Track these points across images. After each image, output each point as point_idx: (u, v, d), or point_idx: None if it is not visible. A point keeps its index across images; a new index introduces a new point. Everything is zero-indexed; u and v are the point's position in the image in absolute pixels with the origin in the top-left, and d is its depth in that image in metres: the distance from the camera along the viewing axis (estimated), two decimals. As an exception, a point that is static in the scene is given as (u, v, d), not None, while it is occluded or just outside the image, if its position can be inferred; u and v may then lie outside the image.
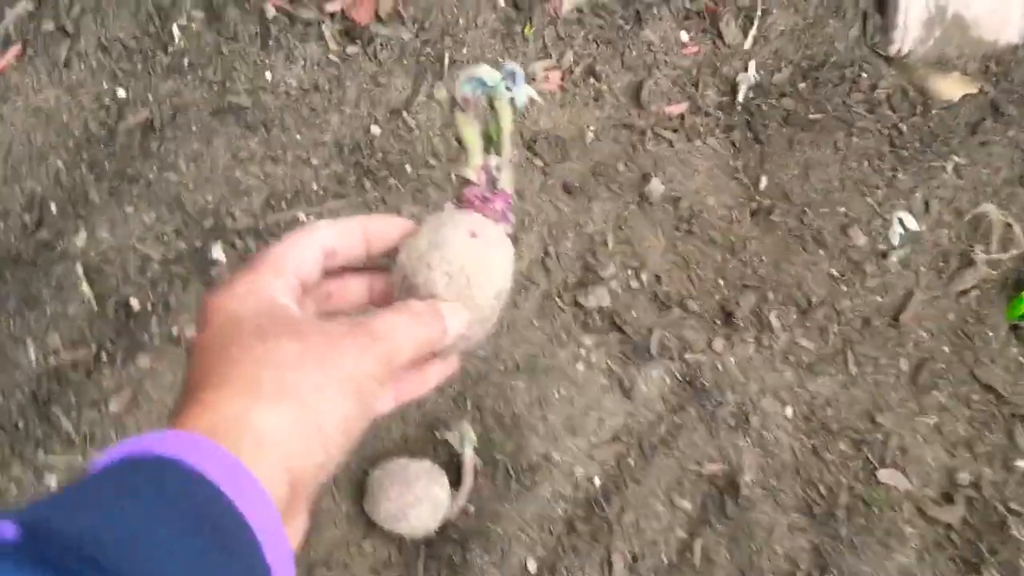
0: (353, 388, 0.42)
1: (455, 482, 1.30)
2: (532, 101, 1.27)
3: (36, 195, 1.31)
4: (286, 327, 0.43)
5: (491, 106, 0.59)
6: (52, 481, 1.22)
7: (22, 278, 1.28)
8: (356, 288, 0.53)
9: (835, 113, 1.54)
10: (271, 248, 0.47)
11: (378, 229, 0.52)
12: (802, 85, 1.55)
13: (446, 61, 1.45)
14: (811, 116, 1.53)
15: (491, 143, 0.59)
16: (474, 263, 0.54)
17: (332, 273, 0.51)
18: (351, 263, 0.51)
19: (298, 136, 1.39)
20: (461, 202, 0.58)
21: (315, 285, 0.49)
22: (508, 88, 0.58)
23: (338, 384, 0.41)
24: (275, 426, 0.39)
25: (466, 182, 0.58)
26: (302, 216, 1.35)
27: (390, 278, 0.54)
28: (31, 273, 1.28)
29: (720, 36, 1.55)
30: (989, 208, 1.51)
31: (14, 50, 1.32)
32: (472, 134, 0.59)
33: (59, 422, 1.23)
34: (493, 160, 0.59)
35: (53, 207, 1.31)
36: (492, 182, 0.58)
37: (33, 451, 1.22)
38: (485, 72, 0.58)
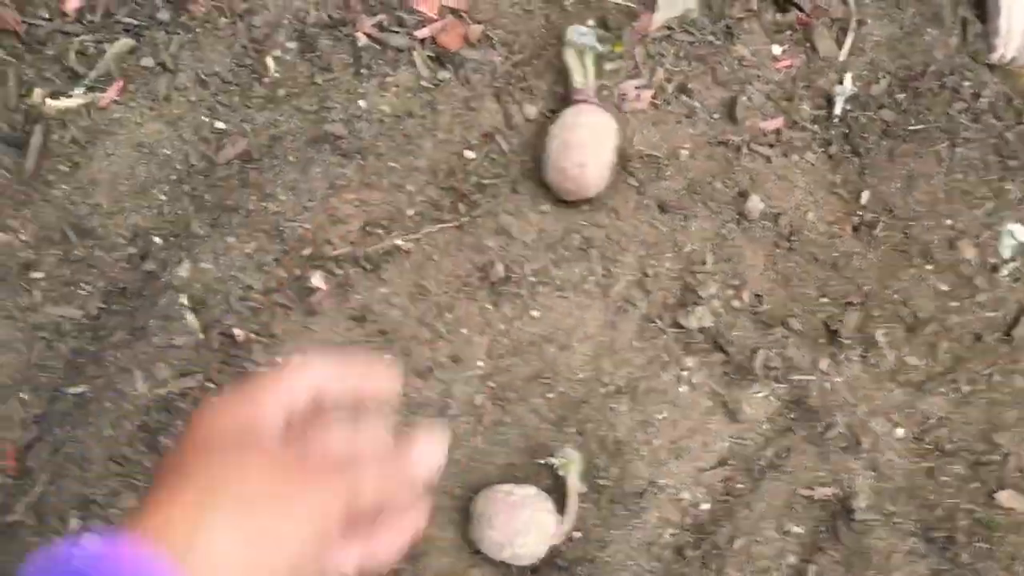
0: (314, 525, 0.41)
1: (560, 508, 1.28)
2: (631, 114, 1.43)
3: (140, 227, 1.33)
4: (263, 445, 0.43)
5: (583, 51, 1.35)
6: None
7: (129, 310, 1.29)
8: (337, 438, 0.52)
9: (937, 123, 1.49)
10: (264, 374, 0.48)
11: (369, 377, 0.51)
12: (901, 96, 1.50)
13: (538, 84, 1.45)
14: (912, 127, 1.49)
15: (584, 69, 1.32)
16: (598, 129, 1.29)
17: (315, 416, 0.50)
18: (338, 406, 0.51)
19: (392, 163, 1.39)
20: (576, 102, 1.33)
21: (300, 421, 0.49)
22: (595, 43, 1.37)
23: (300, 515, 0.41)
24: (227, 544, 0.38)
25: (577, 90, 1.34)
26: (399, 242, 1.35)
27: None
28: (138, 304, 1.29)
29: (814, 48, 1.52)
30: (1104, 217, 1.45)
31: (116, 86, 1.35)
32: (576, 63, 1.36)
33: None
34: (591, 80, 1.36)
35: (157, 239, 1.33)
36: (592, 90, 1.33)
37: (144, 481, 1.23)
38: (585, 30, 1.37)
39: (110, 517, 1.21)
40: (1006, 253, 1.45)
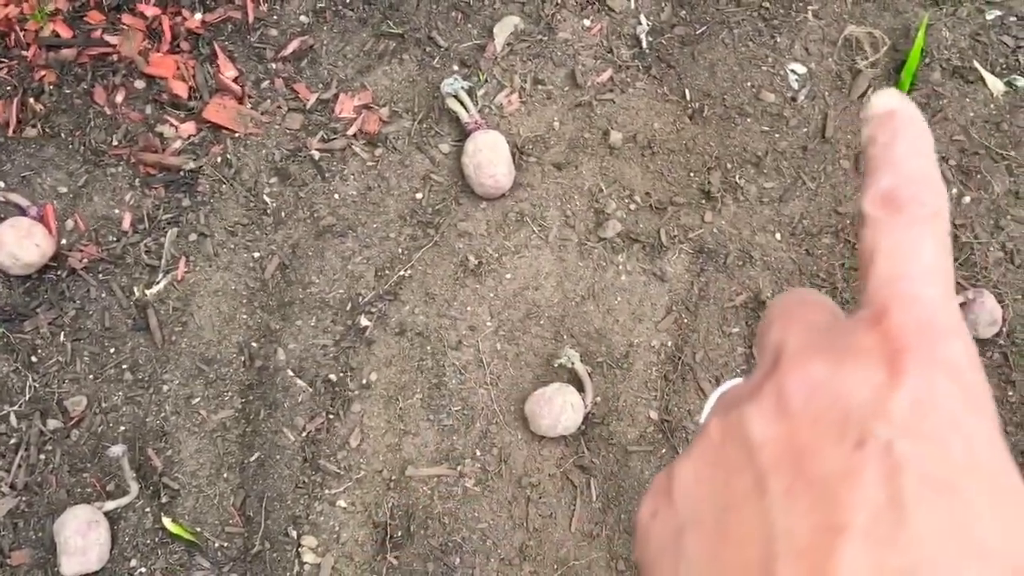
0: None
1: (580, 388, 1.88)
2: (502, 107, 1.88)
3: (243, 342, 1.95)
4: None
5: (457, 94, 1.86)
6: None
7: (260, 393, 1.92)
8: None
9: (714, 19, 2.05)
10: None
11: None
12: (682, 12, 2.06)
13: (441, 127, 2.03)
14: (698, 31, 2.05)
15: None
16: (493, 145, 1.90)
17: None
18: None
19: (374, 225, 1.99)
20: (470, 132, 1.92)
21: None
22: (463, 87, 1.88)
23: None
24: None
25: (466, 123, 1.92)
26: (403, 272, 1.96)
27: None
28: (262, 390, 1.92)
29: (611, 9, 2.08)
30: (852, 29, 2.01)
31: (181, 264, 1.96)
32: (457, 105, 1.91)
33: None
34: (473, 111, 1.79)
35: (255, 344, 1.95)
36: (476, 117, 1.87)
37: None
38: (452, 79, 1.90)
39: (313, 519, 1.84)
40: (795, 86, 2.01)
